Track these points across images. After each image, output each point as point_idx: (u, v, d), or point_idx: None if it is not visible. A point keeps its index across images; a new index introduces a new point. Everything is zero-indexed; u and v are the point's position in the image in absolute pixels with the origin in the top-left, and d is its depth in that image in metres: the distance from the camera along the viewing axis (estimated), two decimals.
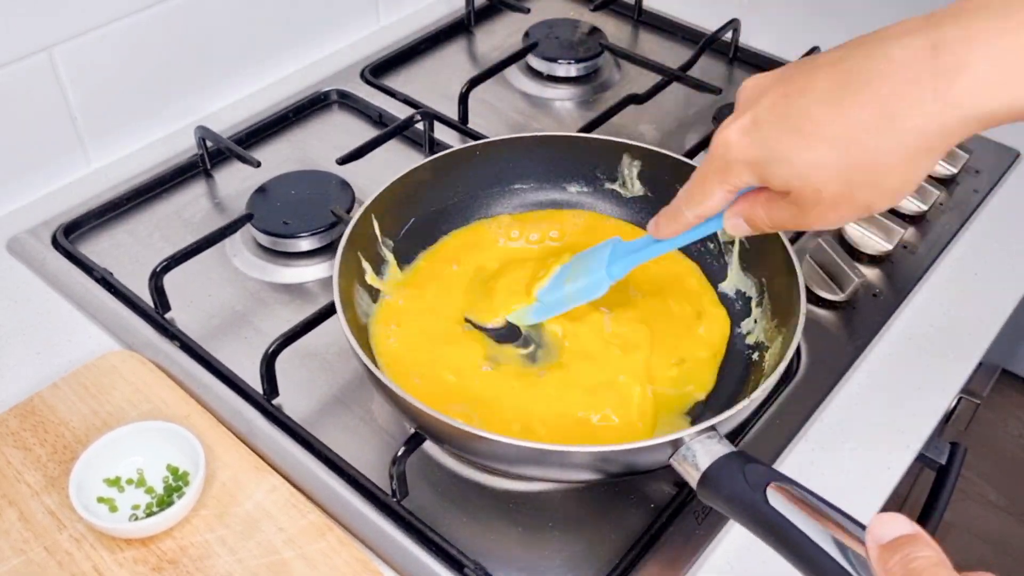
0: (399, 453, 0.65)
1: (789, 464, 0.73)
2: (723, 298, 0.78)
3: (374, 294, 0.76)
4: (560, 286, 0.73)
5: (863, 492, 0.71)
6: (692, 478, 0.57)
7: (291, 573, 0.63)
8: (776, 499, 0.51)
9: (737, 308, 0.77)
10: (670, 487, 0.69)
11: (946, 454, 0.80)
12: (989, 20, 0.46)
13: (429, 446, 0.72)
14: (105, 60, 0.93)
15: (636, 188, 0.82)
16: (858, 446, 0.74)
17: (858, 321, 0.82)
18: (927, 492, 0.80)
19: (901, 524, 0.44)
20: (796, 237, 0.88)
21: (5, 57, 0.85)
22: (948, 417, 0.85)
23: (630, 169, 0.81)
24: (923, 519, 0.78)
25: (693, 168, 0.77)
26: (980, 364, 0.83)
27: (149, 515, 0.65)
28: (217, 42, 1.02)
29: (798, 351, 0.79)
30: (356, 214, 0.73)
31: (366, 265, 0.75)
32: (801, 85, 0.51)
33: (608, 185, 0.83)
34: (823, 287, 0.83)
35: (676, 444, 0.58)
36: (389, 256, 0.78)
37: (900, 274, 0.87)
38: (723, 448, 0.57)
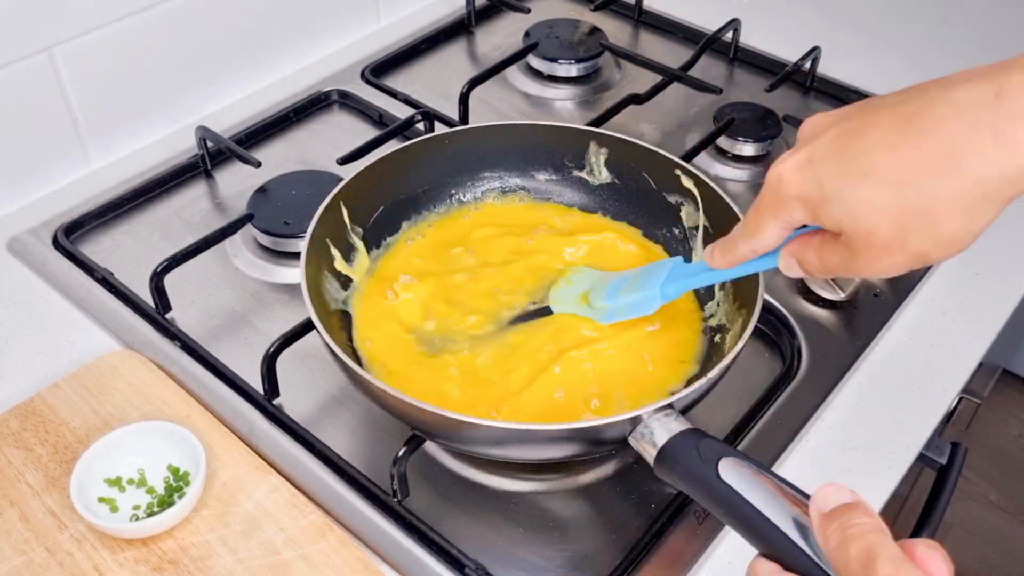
0: (400, 453, 0.65)
1: (789, 464, 0.73)
2: None
3: (344, 281, 0.76)
4: (615, 296, 0.72)
5: (864, 492, 0.70)
6: (649, 455, 0.58)
7: (292, 573, 0.63)
8: (728, 473, 0.52)
9: (701, 291, 0.77)
10: (671, 487, 0.69)
11: (947, 454, 0.80)
12: None
13: (430, 446, 0.72)
14: (105, 60, 0.93)
15: (603, 175, 0.83)
16: (859, 446, 0.74)
17: (859, 321, 0.82)
18: (928, 492, 0.80)
19: (843, 494, 0.46)
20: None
21: (6, 57, 0.85)
22: (949, 417, 0.85)
23: (597, 157, 0.82)
24: (923, 519, 0.78)
25: (659, 156, 0.78)
26: (980, 364, 0.83)
27: (150, 515, 0.65)
28: (217, 42, 1.02)
29: (799, 351, 0.79)
30: (325, 201, 0.74)
31: (335, 252, 0.75)
32: (860, 125, 0.50)
33: (576, 173, 0.84)
34: (824, 287, 0.83)
35: (635, 421, 0.59)
36: (358, 243, 0.78)
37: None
38: (679, 425, 0.58)
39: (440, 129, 0.99)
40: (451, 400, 0.69)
